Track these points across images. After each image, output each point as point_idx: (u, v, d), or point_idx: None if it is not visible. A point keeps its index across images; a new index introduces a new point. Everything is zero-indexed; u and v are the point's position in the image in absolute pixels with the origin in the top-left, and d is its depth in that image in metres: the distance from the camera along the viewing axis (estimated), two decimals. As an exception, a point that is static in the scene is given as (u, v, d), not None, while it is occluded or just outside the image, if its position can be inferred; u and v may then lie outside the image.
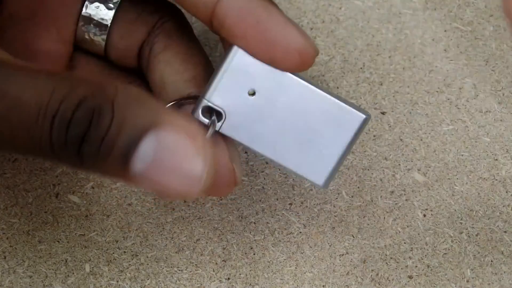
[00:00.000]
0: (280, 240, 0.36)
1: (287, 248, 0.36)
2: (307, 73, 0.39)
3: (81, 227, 0.36)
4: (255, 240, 0.36)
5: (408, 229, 0.36)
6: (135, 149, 0.25)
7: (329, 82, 0.39)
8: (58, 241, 0.36)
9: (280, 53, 0.28)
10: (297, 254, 0.36)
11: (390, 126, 0.38)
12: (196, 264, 0.35)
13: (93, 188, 0.37)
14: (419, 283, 0.35)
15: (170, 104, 0.31)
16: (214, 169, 0.27)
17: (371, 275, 0.35)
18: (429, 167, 0.37)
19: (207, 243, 0.36)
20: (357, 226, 0.36)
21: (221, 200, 0.37)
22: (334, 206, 0.37)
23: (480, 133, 0.38)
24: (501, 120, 0.38)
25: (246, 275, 0.35)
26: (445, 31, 0.40)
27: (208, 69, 0.31)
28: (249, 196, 0.37)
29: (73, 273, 0.35)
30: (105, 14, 0.32)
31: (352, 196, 0.37)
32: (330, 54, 0.40)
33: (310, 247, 0.36)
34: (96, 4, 0.32)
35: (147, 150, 0.26)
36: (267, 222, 0.36)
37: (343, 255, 0.36)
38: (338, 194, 0.37)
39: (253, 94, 0.29)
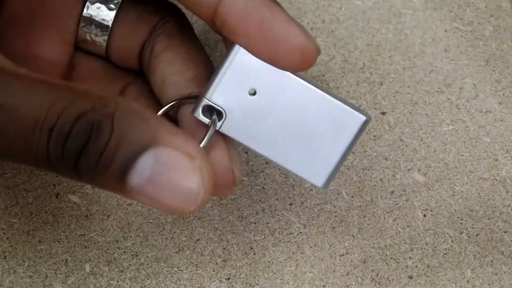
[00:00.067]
0: (280, 240, 0.36)
1: (287, 248, 0.36)
2: (308, 73, 0.39)
3: (81, 227, 0.36)
4: (255, 240, 0.36)
5: (408, 229, 0.36)
6: (133, 164, 0.26)
7: (329, 82, 0.39)
8: (58, 241, 0.36)
9: (282, 51, 0.28)
10: (297, 254, 0.36)
11: (390, 126, 0.38)
12: (196, 264, 0.35)
13: (93, 188, 0.37)
14: (419, 283, 0.35)
15: (171, 104, 0.31)
16: (211, 187, 0.27)
17: (371, 275, 0.35)
18: (429, 167, 0.37)
19: (207, 243, 0.36)
20: (357, 226, 0.36)
21: (221, 200, 0.37)
22: (334, 206, 0.37)
23: (480, 133, 0.38)
24: (501, 120, 0.38)
25: (246, 275, 0.35)
26: (445, 31, 0.40)
27: (209, 69, 0.31)
28: (249, 196, 0.37)
29: (73, 273, 0.35)
30: (106, 14, 0.32)
31: (352, 196, 0.37)
32: (330, 54, 0.40)
33: (310, 247, 0.36)
34: (97, 4, 0.32)
35: (145, 166, 0.26)
36: (267, 222, 0.36)
37: (343, 255, 0.36)
38: (338, 194, 0.37)
39: (253, 93, 0.29)
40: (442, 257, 0.36)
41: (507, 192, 0.37)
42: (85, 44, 0.33)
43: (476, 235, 0.36)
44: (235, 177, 0.30)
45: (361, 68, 0.39)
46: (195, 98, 0.30)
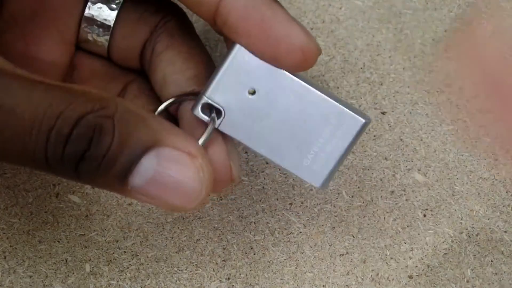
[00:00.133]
0: (280, 240, 0.36)
1: (287, 248, 0.36)
2: (308, 73, 0.39)
3: (81, 227, 0.36)
4: (255, 240, 0.36)
5: (408, 229, 0.36)
6: (136, 166, 0.26)
7: (329, 82, 0.39)
8: (58, 241, 0.36)
9: (283, 50, 0.28)
10: (297, 254, 0.36)
11: (390, 126, 0.38)
12: (196, 264, 0.35)
13: (93, 188, 0.37)
14: (419, 283, 0.35)
15: (171, 100, 0.31)
16: (211, 184, 0.27)
17: (371, 275, 0.35)
18: (429, 167, 0.37)
19: (207, 243, 0.36)
20: (357, 226, 0.36)
21: (221, 200, 0.37)
22: (334, 206, 0.37)
23: (480, 133, 0.38)
24: (501, 120, 0.38)
25: (246, 275, 0.35)
26: (445, 31, 0.40)
27: (210, 68, 0.31)
28: (249, 196, 0.37)
29: (73, 273, 0.35)
30: (108, 14, 0.32)
31: (352, 196, 0.37)
32: (330, 54, 0.40)
33: (310, 247, 0.36)
34: (99, 5, 0.32)
35: (147, 167, 0.26)
36: (267, 222, 0.36)
37: (343, 255, 0.36)
38: (338, 194, 0.37)
39: (253, 93, 0.29)
40: (442, 257, 0.36)
41: (507, 192, 0.37)
42: (86, 44, 0.33)
43: (476, 235, 0.36)
44: (233, 174, 0.30)
45: (361, 68, 0.39)
46: (195, 95, 0.30)
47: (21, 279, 0.35)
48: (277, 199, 0.37)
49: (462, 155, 0.38)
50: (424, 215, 0.36)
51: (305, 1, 0.41)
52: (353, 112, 0.29)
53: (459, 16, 0.41)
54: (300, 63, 0.29)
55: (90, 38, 0.33)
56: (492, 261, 0.36)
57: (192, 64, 0.31)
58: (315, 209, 0.36)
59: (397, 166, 0.37)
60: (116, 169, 0.26)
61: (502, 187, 0.37)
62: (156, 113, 0.31)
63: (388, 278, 0.35)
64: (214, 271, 0.35)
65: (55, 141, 0.25)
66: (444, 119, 0.38)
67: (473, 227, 0.36)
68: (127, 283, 0.35)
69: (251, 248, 0.36)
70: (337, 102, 0.29)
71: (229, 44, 0.29)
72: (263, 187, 0.37)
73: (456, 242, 0.36)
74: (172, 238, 0.36)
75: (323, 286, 0.35)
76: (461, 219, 0.36)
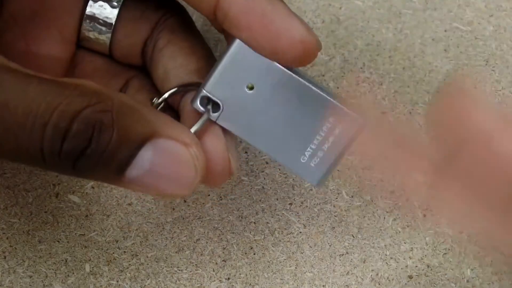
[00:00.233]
0: (280, 240, 0.36)
1: (287, 248, 0.36)
2: (308, 73, 0.39)
3: (81, 227, 0.36)
4: (255, 240, 0.36)
5: (408, 229, 0.36)
6: (133, 159, 0.26)
7: (329, 82, 0.39)
8: (58, 241, 0.36)
9: (283, 44, 0.28)
10: (297, 254, 0.36)
11: (390, 126, 0.38)
12: (196, 264, 0.35)
13: (93, 188, 0.37)
14: (419, 283, 0.35)
15: (172, 90, 0.31)
16: (204, 171, 0.28)
17: (371, 275, 0.35)
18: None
19: (207, 243, 0.36)
20: (357, 226, 0.36)
21: (221, 200, 0.37)
22: (334, 206, 0.37)
23: (480, 133, 0.38)
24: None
25: (246, 275, 0.35)
26: (445, 31, 0.40)
27: (211, 63, 0.31)
28: (249, 196, 0.37)
29: (73, 273, 0.35)
30: (109, 12, 0.32)
31: (352, 196, 0.37)
32: (330, 54, 0.40)
33: (310, 247, 0.36)
34: (100, 3, 0.32)
35: (144, 159, 0.26)
36: (267, 222, 0.36)
37: (343, 255, 0.36)
38: (338, 194, 0.37)
39: (251, 88, 0.29)
40: (442, 257, 0.36)
41: (507, 192, 0.37)
42: (87, 43, 0.33)
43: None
44: (232, 167, 0.30)
45: (361, 68, 0.39)
46: (197, 85, 0.30)
47: (21, 279, 0.35)
48: (277, 199, 0.37)
49: (462, 155, 0.38)
50: (424, 215, 0.36)
51: (305, 1, 0.41)
52: (352, 111, 0.29)
53: (459, 16, 0.41)
54: (301, 57, 0.29)
55: (91, 36, 0.33)
56: (492, 261, 0.36)
57: (193, 58, 0.31)
58: (315, 209, 0.36)
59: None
60: (114, 163, 0.26)
61: (502, 187, 0.37)
62: (159, 101, 0.31)
63: (388, 278, 0.35)
64: (214, 271, 0.35)
65: (52, 136, 0.25)
66: (444, 119, 0.38)
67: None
68: (127, 283, 0.35)
69: (251, 248, 0.36)
70: (336, 101, 0.29)
71: (229, 39, 0.29)
72: (263, 187, 0.37)
73: (456, 242, 0.36)
74: (172, 238, 0.36)
75: (323, 286, 0.35)
76: (461, 219, 0.36)
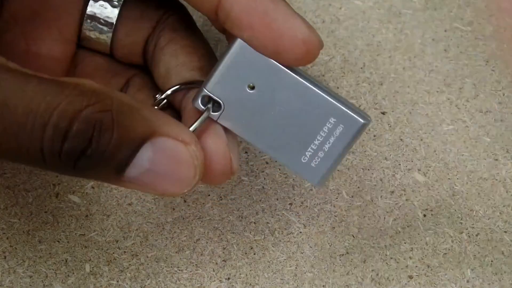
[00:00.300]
0: (280, 240, 0.36)
1: (287, 248, 0.36)
2: (308, 73, 0.39)
3: (81, 227, 0.36)
4: (255, 240, 0.36)
5: (408, 229, 0.36)
6: (133, 158, 0.26)
7: (329, 82, 0.39)
8: (58, 241, 0.36)
9: (285, 43, 0.28)
10: (297, 254, 0.36)
11: (390, 126, 0.38)
12: (196, 264, 0.35)
13: (93, 188, 0.37)
14: (419, 283, 0.35)
15: (175, 87, 0.31)
16: (203, 169, 0.28)
17: (371, 275, 0.35)
18: (429, 167, 0.37)
19: (207, 243, 0.36)
20: (357, 226, 0.36)
21: (221, 200, 0.37)
22: (334, 206, 0.37)
23: (480, 133, 0.38)
24: (501, 120, 0.38)
25: (246, 275, 0.35)
26: (445, 31, 0.40)
27: (213, 61, 0.32)
28: (249, 196, 0.37)
29: (73, 273, 0.35)
30: (110, 12, 0.32)
31: (352, 196, 0.37)
32: (330, 54, 0.40)
33: (310, 247, 0.36)
34: (101, 2, 0.32)
35: (143, 158, 0.26)
36: (267, 222, 0.36)
37: (343, 255, 0.36)
38: (338, 194, 0.37)
39: (252, 88, 0.29)
40: (442, 257, 0.36)
41: (507, 192, 0.37)
42: (88, 42, 0.33)
43: (476, 235, 0.36)
44: (233, 165, 0.30)
45: (361, 68, 0.39)
46: (197, 84, 0.30)
47: (21, 279, 0.35)
48: (277, 199, 0.37)
49: (462, 155, 0.38)
50: (424, 215, 0.36)
51: (305, 1, 0.41)
52: (353, 112, 0.29)
53: (459, 16, 0.41)
54: (303, 56, 0.28)
55: (92, 36, 0.33)
56: (492, 261, 0.36)
57: (195, 57, 0.31)
58: (315, 209, 0.36)
59: (397, 166, 0.37)
60: (114, 163, 0.26)
61: (502, 187, 0.37)
62: (162, 96, 0.31)
63: (388, 278, 0.35)
64: (214, 271, 0.35)
65: (52, 136, 0.25)
66: (444, 119, 0.38)
67: (473, 227, 0.36)
68: (127, 283, 0.35)
69: (251, 248, 0.36)
70: (337, 101, 0.29)
71: (231, 39, 0.29)
72: (263, 187, 0.37)
73: (456, 242, 0.36)
74: (172, 238, 0.36)
75: (323, 286, 0.35)
76: (461, 219, 0.36)
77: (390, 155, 0.38)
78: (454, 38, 0.40)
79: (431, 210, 0.37)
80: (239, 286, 0.35)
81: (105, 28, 0.32)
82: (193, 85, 0.31)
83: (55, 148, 0.25)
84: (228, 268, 0.35)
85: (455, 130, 0.38)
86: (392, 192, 0.37)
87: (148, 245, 0.36)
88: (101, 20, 0.32)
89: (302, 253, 0.36)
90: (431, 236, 0.36)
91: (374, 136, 0.38)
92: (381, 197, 0.37)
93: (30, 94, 0.25)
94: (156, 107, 0.31)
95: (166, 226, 0.36)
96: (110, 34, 0.32)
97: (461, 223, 0.36)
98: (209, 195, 0.37)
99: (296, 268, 0.35)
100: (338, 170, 0.37)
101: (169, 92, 0.31)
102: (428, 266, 0.35)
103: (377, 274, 0.35)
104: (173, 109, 0.32)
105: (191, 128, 0.29)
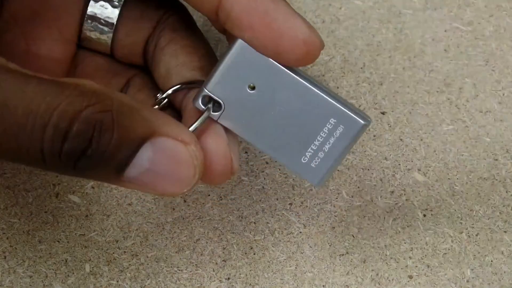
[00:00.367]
0: (280, 240, 0.36)
1: (287, 248, 0.36)
2: (308, 73, 0.39)
3: (81, 227, 0.36)
4: (255, 240, 0.36)
5: (408, 229, 0.36)
6: (133, 158, 0.26)
7: (329, 82, 0.39)
8: (58, 241, 0.36)
9: (286, 44, 0.28)
10: (297, 254, 0.36)
11: (390, 126, 0.38)
12: (196, 264, 0.35)
13: (93, 188, 0.37)
14: (419, 283, 0.35)
15: (176, 86, 0.31)
16: (203, 168, 0.28)
17: (371, 275, 0.35)
18: (429, 167, 0.37)
19: (207, 243, 0.36)
20: (357, 226, 0.36)
21: (221, 200, 0.37)
22: (334, 206, 0.37)
23: (480, 133, 0.38)
24: (501, 120, 0.38)
25: (246, 275, 0.35)
26: (445, 31, 0.40)
27: (213, 61, 0.32)
28: (249, 196, 0.37)
29: (73, 273, 0.35)
30: (110, 12, 0.32)
31: (352, 196, 0.37)
32: (330, 54, 0.40)
33: (310, 247, 0.36)
34: (101, 2, 0.32)
35: (143, 158, 0.26)
36: (267, 222, 0.36)
37: (343, 255, 0.36)
38: (338, 194, 0.37)
39: (253, 88, 0.29)
40: (442, 257, 0.36)
41: (507, 192, 0.37)
42: (88, 43, 0.33)
43: (476, 235, 0.36)
44: (233, 165, 0.30)
45: (361, 68, 0.39)
46: (198, 83, 0.30)
47: (21, 279, 0.35)
48: (277, 199, 0.37)
49: (462, 155, 0.38)
50: (424, 215, 0.36)
51: (305, 1, 0.41)
52: (353, 113, 0.29)
53: (459, 16, 0.41)
54: (303, 57, 0.28)
55: (93, 36, 0.33)
56: (492, 261, 0.36)
57: (195, 57, 0.31)
58: (315, 209, 0.36)
59: (397, 166, 0.37)
60: (114, 164, 0.26)
61: (502, 187, 0.37)
62: (163, 96, 0.31)
63: (388, 278, 0.35)
64: (214, 271, 0.35)
65: (52, 137, 0.25)
66: (444, 119, 0.38)
67: (473, 227, 0.36)
68: (127, 283, 0.35)
69: (251, 248, 0.36)
70: (337, 102, 0.29)
71: (231, 40, 0.29)
72: (263, 187, 0.37)
73: (456, 242, 0.36)
74: (172, 238, 0.36)
75: (323, 286, 0.35)
76: (461, 219, 0.36)
77: (390, 155, 0.38)
78: (454, 38, 0.40)
79: (431, 210, 0.37)
80: (239, 286, 0.35)
81: (105, 29, 0.32)
82: (193, 85, 0.31)
83: (55, 149, 0.25)
84: (228, 268, 0.35)
85: (455, 130, 0.38)
86: (392, 192, 0.37)
87: (148, 245, 0.36)
88: (102, 21, 0.32)
89: (302, 253, 0.36)
90: (431, 236, 0.36)
91: (374, 136, 0.38)
92: (381, 197, 0.37)
93: (30, 94, 0.25)
94: (156, 107, 0.31)
95: (166, 226, 0.36)
96: (111, 35, 0.32)
97: (461, 223, 0.36)
98: (209, 195, 0.37)
99: (296, 268, 0.35)
100: (338, 170, 0.37)
101: (170, 91, 0.31)
102: (428, 266, 0.36)
103: (377, 274, 0.35)
104: (174, 108, 0.32)
105: (192, 128, 0.29)
